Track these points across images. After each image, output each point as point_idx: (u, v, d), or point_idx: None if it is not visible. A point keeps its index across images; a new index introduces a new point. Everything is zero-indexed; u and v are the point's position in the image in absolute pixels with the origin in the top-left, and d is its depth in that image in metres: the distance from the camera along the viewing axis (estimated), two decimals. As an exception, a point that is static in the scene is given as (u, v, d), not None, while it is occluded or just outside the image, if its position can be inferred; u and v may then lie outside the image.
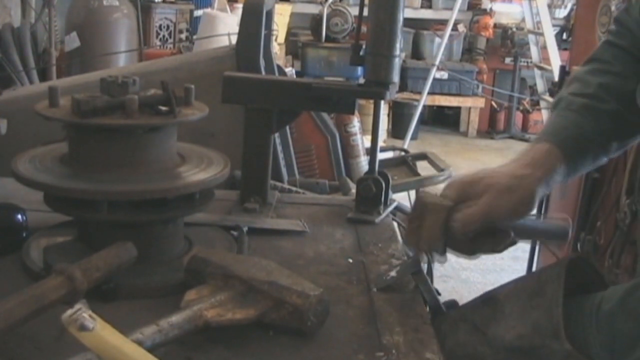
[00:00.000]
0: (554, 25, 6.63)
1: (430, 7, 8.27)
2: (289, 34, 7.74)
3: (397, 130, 7.43)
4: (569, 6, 7.71)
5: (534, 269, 3.64)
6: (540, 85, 6.50)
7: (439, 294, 1.24)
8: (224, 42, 3.82)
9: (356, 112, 1.61)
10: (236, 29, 2.11)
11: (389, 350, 0.96)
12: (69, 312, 0.77)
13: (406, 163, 2.97)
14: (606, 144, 1.16)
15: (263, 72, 2.06)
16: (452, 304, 1.12)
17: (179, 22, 6.54)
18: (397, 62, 1.43)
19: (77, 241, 1.17)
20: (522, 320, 1.00)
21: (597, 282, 1.07)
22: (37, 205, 1.21)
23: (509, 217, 1.07)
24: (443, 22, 7.32)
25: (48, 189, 1.12)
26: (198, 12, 6.30)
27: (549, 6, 6.94)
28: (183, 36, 6.46)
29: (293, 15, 7.57)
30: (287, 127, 2.18)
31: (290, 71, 5.39)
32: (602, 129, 1.14)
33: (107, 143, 1.11)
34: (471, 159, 7.19)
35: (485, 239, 1.07)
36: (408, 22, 6.59)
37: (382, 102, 1.47)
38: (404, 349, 0.96)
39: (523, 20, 7.34)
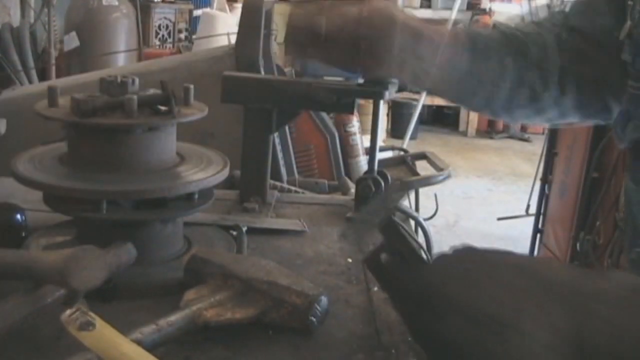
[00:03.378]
0: (553, 25, 6.63)
1: (429, 7, 8.29)
2: (289, 33, 7.73)
3: (397, 130, 7.44)
4: (569, 6, 7.71)
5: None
6: (540, 85, 6.49)
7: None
8: (223, 41, 3.83)
9: (355, 112, 1.61)
10: (235, 29, 2.11)
11: (389, 350, 0.96)
12: (69, 312, 0.77)
13: (405, 163, 2.97)
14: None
15: (262, 72, 2.06)
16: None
17: (178, 22, 6.54)
18: (396, 62, 1.43)
19: (76, 241, 1.16)
20: None
21: None
22: (36, 205, 1.21)
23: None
24: (442, 22, 7.32)
25: (47, 189, 1.12)
26: (197, 12, 6.31)
27: (549, 6, 6.94)
28: (182, 36, 6.47)
29: (292, 15, 7.56)
30: (287, 127, 2.19)
31: (289, 71, 5.39)
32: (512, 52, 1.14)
33: (107, 143, 1.11)
34: (470, 159, 7.19)
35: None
36: (407, 21, 6.58)
37: (382, 101, 1.47)
38: (403, 349, 0.96)
39: (522, 20, 7.34)
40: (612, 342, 0.66)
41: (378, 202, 0.99)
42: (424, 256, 0.82)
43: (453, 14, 6.67)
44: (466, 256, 0.79)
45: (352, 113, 1.61)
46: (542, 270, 0.73)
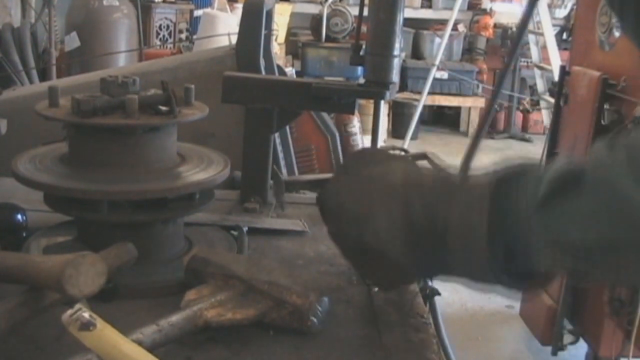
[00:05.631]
0: (554, 25, 6.63)
1: (430, 7, 8.28)
2: (289, 33, 7.75)
3: (397, 130, 7.43)
4: (569, 6, 7.71)
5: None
6: (540, 85, 6.50)
7: (439, 293, 1.23)
8: (224, 42, 3.82)
9: (356, 112, 1.61)
10: (236, 29, 2.11)
11: (389, 350, 0.96)
12: (69, 312, 0.77)
13: (406, 163, 2.97)
14: None
15: (263, 72, 2.06)
16: None
17: (179, 22, 6.54)
18: (397, 62, 1.43)
19: (77, 241, 1.16)
20: None
21: None
22: (37, 205, 1.21)
23: None
24: (443, 22, 7.32)
25: (48, 189, 1.12)
26: (198, 12, 6.31)
27: (549, 6, 6.94)
28: (183, 36, 6.47)
29: (293, 15, 7.57)
30: (287, 127, 2.18)
31: (290, 71, 5.39)
32: None
33: (107, 143, 1.11)
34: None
35: None
36: (408, 22, 6.59)
37: (382, 102, 1.47)
38: (404, 348, 0.96)
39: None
40: (427, 217, 0.88)
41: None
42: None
43: (454, 14, 6.66)
44: (341, 175, 1.07)
45: (352, 113, 1.61)
46: (386, 177, 0.97)
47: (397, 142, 6.21)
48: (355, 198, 0.98)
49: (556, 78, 4.16)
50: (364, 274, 1.04)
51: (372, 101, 1.50)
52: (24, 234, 1.23)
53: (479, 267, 0.84)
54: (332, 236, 1.06)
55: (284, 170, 2.09)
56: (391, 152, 1.18)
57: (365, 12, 1.45)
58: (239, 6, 4.83)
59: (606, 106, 2.90)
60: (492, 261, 0.82)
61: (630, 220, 0.72)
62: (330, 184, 1.06)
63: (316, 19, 7.30)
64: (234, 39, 2.18)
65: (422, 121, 7.66)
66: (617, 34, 2.93)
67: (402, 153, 1.25)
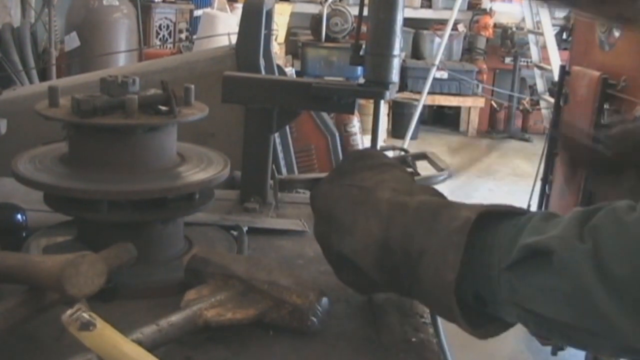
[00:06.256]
0: (553, 25, 6.62)
1: (430, 7, 8.28)
2: (289, 33, 7.76)
3: (397, 130, 7.44)
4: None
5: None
6: (540, 85, 6.49)
7: None
8: (223, 42, 3.82)
9: (356, 112, 1.61)
10: (236, 29, 2.11)
11: (389, 350, 0.96)
12: (69, 312, 0.77)
13: (406, 163, 2.96)
14: None
15: (263, 72, 2.06)
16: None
17: (179, 22, 6.55)
18: (397, 62, 1.43)
19: (76, 241, 1.16)
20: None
21: None
22: (37, 205, 1.21)
23: None
24: (443, 22, 7.33)
25: (48, 189, 1.12)
26: (198, 12, 6.32)
27: (549, 6, 6.93)
28: (183, 36, 6.47)
29: (293, 15, 7.58)
30: (287, 127, 2.19)
31: (290, 71, 5.40)
32: None
33: (107, 143, 1.11)
34: (471, 159, 7.19)
35: None
36: (408, 22, 6.60)
37: (382, 101, 1.47)
38: (403, 348, 0.96)
39: (523, 20, 7.33)
40: (404, 241, 0.90)
41: None
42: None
43: (454, 14, 6.67)
44: (334, 178, 1.05)
45: (352, 113, 1.61)
46: (375, 191, 0.98)
47: (397, 142, 6.21)
48: (343, 206, 1.00)
49: (556, 78, 4.16)
50: (340, 276, 1.07)
51: (372, 101, 1.50)
52: (24, 234, 1.22)
53: (441, 303, 0.86)
54: (316, 235, 1.06)
55: (284, 170, 2.09)
56: (388, 154, 1.17)
57: (365, 12, 1.45)
58: (239, 6, 4.83)
59: (606, 106, 2.91)
60: (456, 302, 0.84)
61: (588, 311, 0.74)
62: (322, 184, 1.06)
63: (316, 19, 7.30)
64: (234, 39, 2.18)
65: (422, 121, 7.67)
66: (617, 34, 2.93)
67: (402, 153, 1.25)
